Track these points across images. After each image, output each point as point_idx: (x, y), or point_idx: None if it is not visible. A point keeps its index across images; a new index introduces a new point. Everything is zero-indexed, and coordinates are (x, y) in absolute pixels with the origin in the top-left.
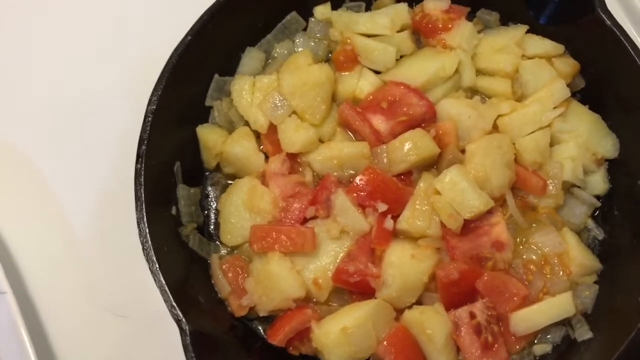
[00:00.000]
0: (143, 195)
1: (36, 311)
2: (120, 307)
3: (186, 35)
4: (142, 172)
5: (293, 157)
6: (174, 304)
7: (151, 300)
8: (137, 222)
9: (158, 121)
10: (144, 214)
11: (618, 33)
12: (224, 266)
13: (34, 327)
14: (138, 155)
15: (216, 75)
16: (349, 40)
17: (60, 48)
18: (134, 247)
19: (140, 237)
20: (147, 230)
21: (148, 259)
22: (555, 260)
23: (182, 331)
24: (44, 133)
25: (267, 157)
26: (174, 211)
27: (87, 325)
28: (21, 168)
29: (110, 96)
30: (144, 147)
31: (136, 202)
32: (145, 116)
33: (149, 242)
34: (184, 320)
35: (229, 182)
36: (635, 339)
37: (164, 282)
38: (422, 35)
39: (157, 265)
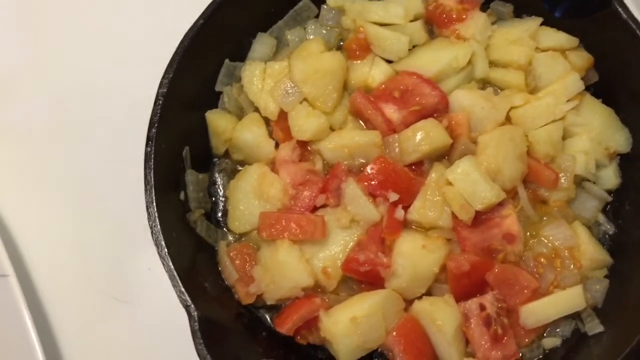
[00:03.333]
0: (153, 179)
1: (38, 294)
2: (123, 293)
3: (198, 19)
4: (152, 155)
5: (303, 145)
6: (183, 289)
7: (154, 287)
8: (147, 206)
9: (168, 104)
10: (154, 198)
11: (634, 26)
12: (231, 253)
13: (36, 309)
14: (148, 138)
15: (227, 61)
16: (361, 29)
17: (72, 29)
18: (138, 233)
19: (149, 222)
20: (157, 215)
21: (157, 244)
22: (566, 254)
23: (190, 317)
24: (49, 112)
25: (276, 144)
26: (182, 196)
27: (89, 310)
28: (24, 149)
29: (118, 80)
30: (154, 130)
31: (145, 186)
32: (156, 99)
33: (158, 226)
34: (192, 305)
35: (238, 167)
36: None
37: (172, 267)
38: (435, 25)
39: (166, 250)
